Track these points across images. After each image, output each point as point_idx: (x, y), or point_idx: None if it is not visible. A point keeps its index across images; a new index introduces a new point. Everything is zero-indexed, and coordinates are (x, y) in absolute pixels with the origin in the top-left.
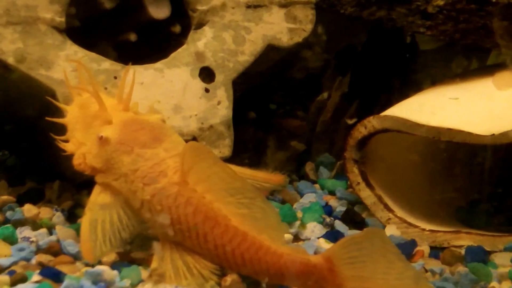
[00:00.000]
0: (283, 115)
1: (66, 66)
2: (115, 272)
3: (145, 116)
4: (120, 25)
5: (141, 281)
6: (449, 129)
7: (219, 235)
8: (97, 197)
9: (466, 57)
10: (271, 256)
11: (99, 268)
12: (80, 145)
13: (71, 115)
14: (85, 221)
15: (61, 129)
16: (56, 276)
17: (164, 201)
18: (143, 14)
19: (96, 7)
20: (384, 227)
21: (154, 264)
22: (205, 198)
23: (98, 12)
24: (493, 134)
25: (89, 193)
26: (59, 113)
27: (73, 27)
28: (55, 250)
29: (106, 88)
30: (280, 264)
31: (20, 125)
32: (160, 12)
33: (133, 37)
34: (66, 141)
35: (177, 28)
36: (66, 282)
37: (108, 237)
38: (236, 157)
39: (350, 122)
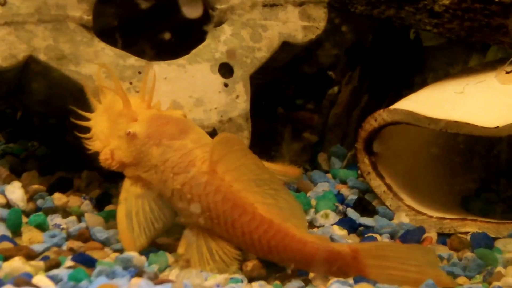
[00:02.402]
0: (296, 108)
1: (96, 68)
2: (144, 257)
3: (168, 112)
4: (156, 25)
5: (168, 266)
6: (456, 122)
7: (246, 223)
8: (129, 190)
9: (467, 53)
10: (296, 243)
11: (129, 254)
12: (107, 142)
13: (96, 115)
14: (120, 214)
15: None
16: (88, 261)
17: (194, 189)
18: (177, 14)
19: (133, 8)
20: (393, 214)
21: (180, 250)
22: (233, 187)
23: (134, 12)
24: (498, 126)
25: (115, 182)
26: (89, 107)
27: (111, 26)
28: (85, 237)
29: (131, 83)
30: (305, 251)
31: (53, 117)
32: (193, 11)
33: (167, 36)
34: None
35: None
36: (99, 267)
37: (143, 228)
38: (254, 148)
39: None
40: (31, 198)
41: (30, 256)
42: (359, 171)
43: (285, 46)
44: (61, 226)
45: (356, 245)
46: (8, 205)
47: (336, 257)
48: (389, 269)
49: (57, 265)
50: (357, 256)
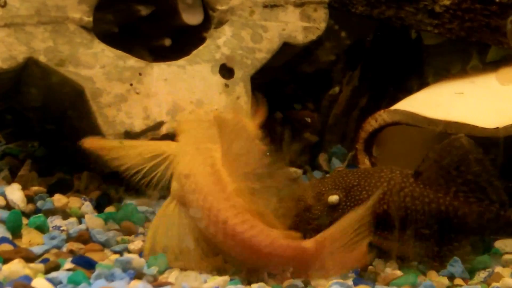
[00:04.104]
0: (296, 108)
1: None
2: (143, 260)
3: None
4: (156, 31)
5: (168, 268)
6: (455, 123)
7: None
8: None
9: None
10: (263, 238)
11: (128, 256)
12: None
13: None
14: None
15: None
16: (88, 264)
17: None
18: (177, 20)
19: (133, 14)
20: None
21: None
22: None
23: (135, 18)
24: (497, 127)
25: (114, 183)
26: (85, 110)
27: (111, 32)
28: (85, 238)
29: (131, 85)
30: (270, 248)
31: (51, 119)
32: (193, 18)
33: (167, 42)
34: None
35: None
36: (98, 270)
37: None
38: None
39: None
40: (31, 200)
41: (29, 258)
42: None
43: (285, 46)
44: (61, 228)
45: (319, 237)
46: (8, 206)
47: (301, 254)
48: (337, 252)
49: (57, 267)
50: (321, 251)
